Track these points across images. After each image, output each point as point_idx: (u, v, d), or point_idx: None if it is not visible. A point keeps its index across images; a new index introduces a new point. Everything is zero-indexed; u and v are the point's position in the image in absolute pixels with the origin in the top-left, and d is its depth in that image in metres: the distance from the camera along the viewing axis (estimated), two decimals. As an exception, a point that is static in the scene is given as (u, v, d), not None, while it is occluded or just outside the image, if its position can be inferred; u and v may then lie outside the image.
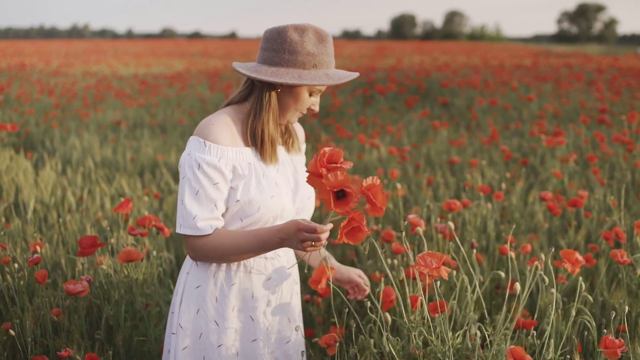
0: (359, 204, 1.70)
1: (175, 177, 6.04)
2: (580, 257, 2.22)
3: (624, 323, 2.75)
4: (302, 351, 2.25)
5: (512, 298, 3.32)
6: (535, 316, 2.38)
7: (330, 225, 1.81)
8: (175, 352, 2.11)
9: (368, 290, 2.35)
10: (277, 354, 2.16)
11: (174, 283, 3.81)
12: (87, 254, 2.68)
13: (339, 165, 1.69)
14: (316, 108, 2.09)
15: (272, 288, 2.13)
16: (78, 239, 4.04)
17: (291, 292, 2.22)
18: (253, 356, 2.10)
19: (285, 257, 2.18)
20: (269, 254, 2.11)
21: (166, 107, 10.60)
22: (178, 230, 2.00)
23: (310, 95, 2.04)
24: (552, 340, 2.06)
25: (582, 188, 5.06)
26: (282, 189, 2.06)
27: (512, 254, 2.47)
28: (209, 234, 1.98)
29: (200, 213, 1.96)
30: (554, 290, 2.30)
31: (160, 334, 2.86)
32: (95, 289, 2.88)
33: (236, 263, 2.07)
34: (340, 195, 1.69)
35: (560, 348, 2.11)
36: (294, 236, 1.85)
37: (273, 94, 2.03)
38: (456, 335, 1.97)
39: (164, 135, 8.25)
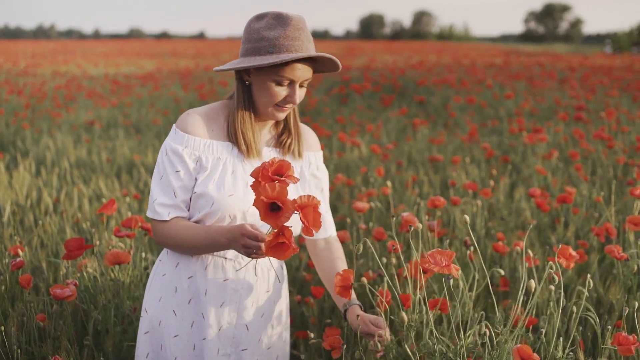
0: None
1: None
2: (574, 252, 2.18)
3: (623, 319, 2.74)
4: None
5: (506, 295, 3.30)
6: (531, 313, 2.33)
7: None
8: (139, 335, 2.12)
9: (384, 336, 2.02)
10: (233, 358, 2.06)
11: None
12: (74, 257, 2.57)
13: (282, 178, 1.63)
14: (292, 99, 1.92)
15: (229, 291, 2.02)
16: (57, 241, 3.95)
17: (256, 300, 2.08)
18: (204, 354, 2.02)
19: (251, 263, 2.04)
20: (230, 255, 2.00)
21: (139, 107, 10.44)
22: (147, 214, 2.00)
23: (280, 85, 1.90)
24: (560, 339, 2.02)
25: (565, 184, 5.07)
26: (250, 191, 1.93)
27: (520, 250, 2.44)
28: (166, 220, 1.95)
29: (160, 197, 1.95)
30: (552, 287, 2.27)
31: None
32: (81, 292, 2.78)
33: (196, 257, 2.01)
34: (275, 207, 1.61)
35: (568, 346, 2.07)
36: (238, 240, 1.76)
37: (245, 88, 1.97)
38: (467, 334, 1.92)
39: (138, 136, 8.10)
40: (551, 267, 2.24)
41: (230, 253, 2.00)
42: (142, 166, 6.14)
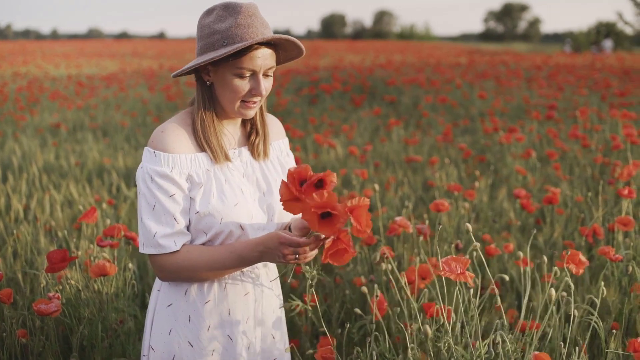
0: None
1: (127, 182, 5.77)
2: (583, 258, 2.15)
3: (620, 321, 2.72)
4: None
5: (494, 298, 3.26)
6: (524, 317, 2.29)
7: (314, 239, 1.66)
8: None
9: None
10: None
11: (139, 296, 3.60)
12: (58, 270, 2.45)
13: (325, 184, 1.58)
14: (258, 91, 1.78)
15: (251, 304, 1.92)
16: (31, 251, 3.79)
17: (273, 308, 2.00)
18: None
19: (264, 269, 1.96)
20: (246, 268, 1.88)
21: (106, 109, 10.23)
22: (141, 250, 1.80)
23: (242, 78, 1.77)
24: (575, 348, 1.97)
25: (544, 184, 5.07)
26: (248, 195, 1.85)
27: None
28: (175, 251, 1.78)
29: (160, 229, 1.77)
30: (553, 290, 2.23)
31: (138, 352, 2.65)
32: (63, 306, 2.64)
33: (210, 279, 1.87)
34: (325, 215, 1.56)
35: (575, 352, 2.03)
36: (276, 250, 1.69)
37: (206, 89, 1.83)
38: (484, 343, 1.86)
39: (106, 139, 7.91)
40: (556, 273, 2.21)
41: None
42: (113, 170, 5.98)
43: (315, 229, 1.54)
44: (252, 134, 1.94)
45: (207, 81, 1.82)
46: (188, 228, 1.82)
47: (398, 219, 2.99)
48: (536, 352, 1.83)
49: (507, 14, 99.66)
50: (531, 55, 25.01)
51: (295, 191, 1.57)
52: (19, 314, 2.67)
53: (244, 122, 1.96)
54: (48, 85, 13.24)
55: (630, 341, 1.88)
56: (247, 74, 1.76)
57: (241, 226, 1.81)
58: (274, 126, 2.05)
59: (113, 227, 2.89)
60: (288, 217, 1.93)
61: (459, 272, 1.80)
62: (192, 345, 1.87)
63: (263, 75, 1.79)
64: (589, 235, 3.38)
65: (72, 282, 2.70)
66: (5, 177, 5.98)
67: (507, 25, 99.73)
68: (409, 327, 2.13)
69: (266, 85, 1.81)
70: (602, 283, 2.01)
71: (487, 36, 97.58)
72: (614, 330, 2.37)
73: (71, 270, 2.79)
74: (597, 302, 2.31)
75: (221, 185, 1.81)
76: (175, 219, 1.77)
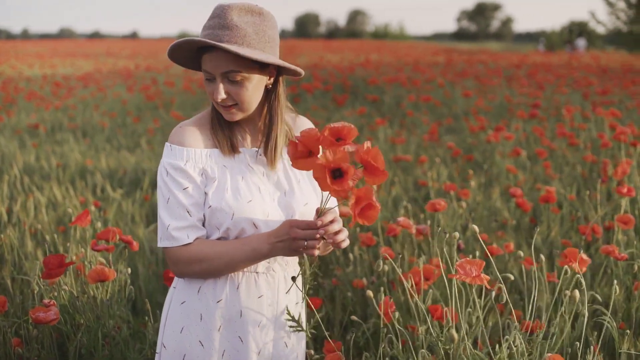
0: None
1: (111, 183, 5.67)
2: (585, 257, 2.12)
3: (624, 320, 2.70)
4: None
5: (498, 299, 3.23)
6: (529, 317, 2.26)
7: (328, 217, 1.62)
8: None
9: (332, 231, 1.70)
10: None
11: (137, 301, 3.52)
12: (55, 276, 2.37)
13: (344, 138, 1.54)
14: (214, 95, 1.74)
15: (265, 307, 1.86)
16: (19, 255, 3.68)
17: (288, 313, 1.93)
18: None
19: (282, 272, 1.89)
20: (261, 269, 1.83)
21: (84, 109, 10.06)
22: (159, 244, 1.80)
23: (208, 80, 1.76)
24: (590, 348, 1.93)
25: (535, 183, 5.07)
26: (266, 194, 1.81)
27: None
28: (188, 244, 1.76)
29: (173, 222, 1.76)
30: (567, 292, 2.19)
31: (138, 358, 2.56)
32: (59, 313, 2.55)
33: (223, 278, 1.82)
34: (337, 174, 1.50)
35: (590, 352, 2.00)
36: (286, 236, 1.65)
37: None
38: (504, 346, 1.81)
39: (87, 139, 7.78)
40: (566, 272, 2.18)
41: (262, 266, 1.83)
42: (97, 171, 5.87)
43: (326, 189, 1.49)
44: (260, 133, 1.89)
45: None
46: (203, 224, 1.80)
47: (400, 219, 2.95)
48: (549, 354, 1.80)
49: (480, 13, 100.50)
50: (506, 54, 25.21)
51: (321, 142, 1.53)
52: (11, 321, 2.57)
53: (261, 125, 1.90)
54: (23, 86, 13.03)
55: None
56: (209, 76, 1.75)
57: (254, 224, 1.78)
58: (305, 127, 1.97)
59: (107, 231, 2.79)
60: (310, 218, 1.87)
61: (474, 275, 1.76)
62: (202, 345, 1.83)
63: (228, 80, 1.73)
64: (588, 234, 3.36)
65: (67, 287, 2.61)
66: (-16, 179, 5.84)
67: (480, 24, 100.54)
68: (417, 329, 2.09)
69: (233, 90, 1.74)
70: (615, 282, 1.98)
71: (460, 35, 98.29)
72: (627, 331, 2.34)
73: (64, 276, 2.69)
74: (600, 299, 2.29)
75: (237, 181, 1.79)
76: (188, 211, 1.77)
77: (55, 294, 2.64)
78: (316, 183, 1.53)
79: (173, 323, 1.87)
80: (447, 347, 1.94)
